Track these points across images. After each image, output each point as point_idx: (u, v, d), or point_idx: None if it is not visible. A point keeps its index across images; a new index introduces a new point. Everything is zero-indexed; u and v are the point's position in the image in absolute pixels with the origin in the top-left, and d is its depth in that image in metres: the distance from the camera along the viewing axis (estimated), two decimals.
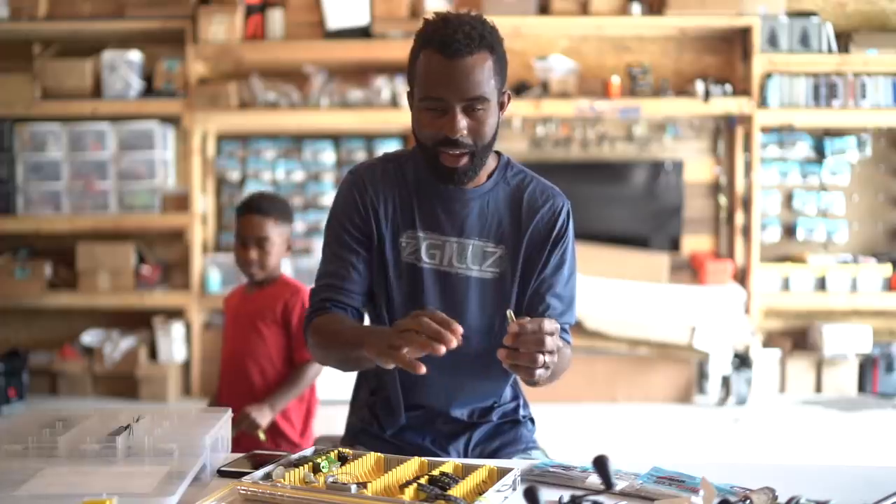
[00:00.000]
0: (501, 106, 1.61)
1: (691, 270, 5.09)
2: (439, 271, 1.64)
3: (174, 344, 4.90)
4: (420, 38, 1.56)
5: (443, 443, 1.72)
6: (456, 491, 1.27)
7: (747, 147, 5.02)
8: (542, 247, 1.66)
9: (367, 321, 1.75)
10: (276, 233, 2.44)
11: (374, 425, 1.75)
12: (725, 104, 4.90)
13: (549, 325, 1.35)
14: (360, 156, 5.12)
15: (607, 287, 4.79)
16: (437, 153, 1.56)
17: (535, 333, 1.33)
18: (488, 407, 1.74)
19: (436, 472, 1.35)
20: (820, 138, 5.10)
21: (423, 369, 1.32)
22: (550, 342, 1.33)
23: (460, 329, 1.31)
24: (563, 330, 1.65)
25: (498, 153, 1.71)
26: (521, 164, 1.76)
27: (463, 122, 1.52)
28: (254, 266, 2.43)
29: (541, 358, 1.33)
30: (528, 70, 5.08)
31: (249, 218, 2.43)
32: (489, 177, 1.68)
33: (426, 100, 1.53)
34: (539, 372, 1.35)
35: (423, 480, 1.30)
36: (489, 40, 1.53)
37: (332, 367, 1.65)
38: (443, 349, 1.30)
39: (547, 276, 1.66)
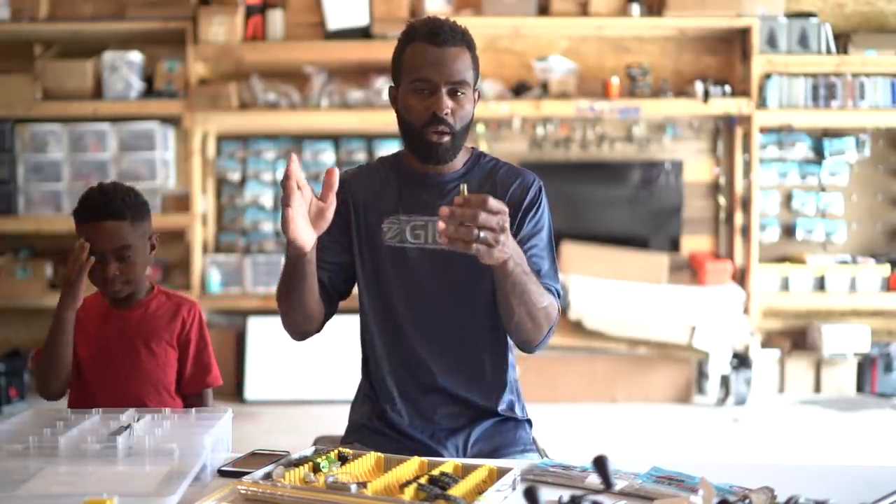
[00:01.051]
0: (475, 101, 1.74)
1: (691, 271, 5.10)
2: (425, 249, 1.75)
3: None
4: (407, 35, 1.72)
5: (442, 438, 1.75)
6: (456, 491, 1.27)
7: (746, 147, 5.02)
8: (516, 212, 1.74)
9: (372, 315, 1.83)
10: (136, 237, 1.94)
11: (373, 420, 1.79)
12: (725, 105, 4.90)
13: (494, 203, 1.37)
14: (360, 156, 5.12)
15: (607, 287, 4.80)
16: (423, 133, 1.69)
17: (472, 207, 1.35)
18: (487, 390, 1.77)
19: (436, 472, 1.35)
20: (819, 139, 5.10)
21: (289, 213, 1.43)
22: (484, 217, 1.35)
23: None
24: (546, 288, 1.69)
25: (472, 147, 1.85)
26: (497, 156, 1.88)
27: (448, 102, 1.66)
28: (117, 283, 1.90)
29: (475, 232, 1.35)
30: (528, 70, 5.08)
31: (100, 226, 1.89)
32: (464, 165, 1.80)
33: (415, 82, 1.68)
34: (476, 247, 1.37)
35: (423, 480, 1.31)
36: (468, 39, 1.71)
37: (297, 319, 1.70)
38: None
39: (524, 239, 1.73)
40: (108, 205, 1.90)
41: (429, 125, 1.67)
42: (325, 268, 1.75)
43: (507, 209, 1.42)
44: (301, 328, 1.73)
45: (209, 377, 2.01)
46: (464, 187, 1.40)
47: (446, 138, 1.68)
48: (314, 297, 1.67)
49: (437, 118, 1.66)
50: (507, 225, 1.41)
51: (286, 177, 1.43)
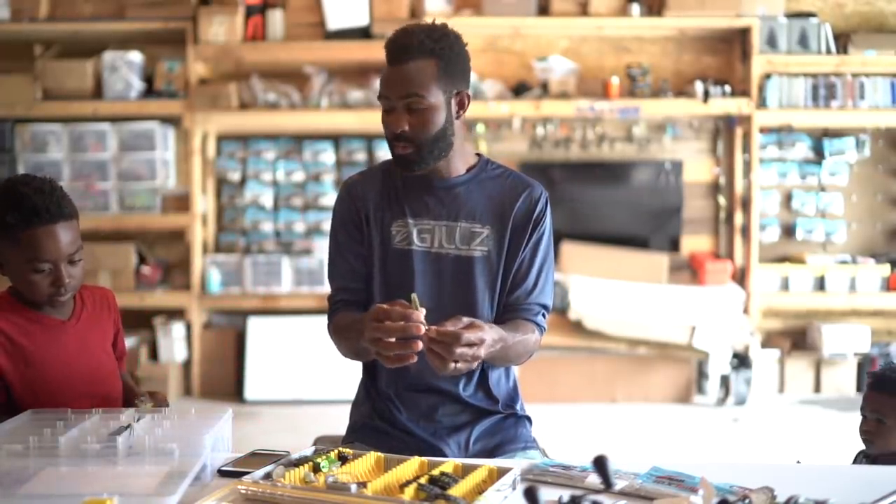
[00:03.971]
0: (461, 105, 1.76)
1: (691, 271, 5.10)
2: (430, 253, 1.77)
3: (175, 344, 4.90)
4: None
5: (443, 436, 1.76)
6: (456, 490, 1.27)
7: (746, 147, 5.02)
8: (524, 230, 1.78)
9: None
10: (79, 234, 1.74)
11: (375, 419, 1.80)
12: (725, 105, 4.90)
13: (472, 337, 1.50)
14: (360, 156, 5.13)
15: (607, 287, 4.79)
16: (392, 146, 1.76)
17: (446, 344, 1.49)
18: (489, 390, 1.78)
19: (436, 472, 1.35)
20: (819, 139, 5.10)
21: (414, 359, 1.51)
22: (460, 352, 1.49)
23: (417, 313, 1.49)
24: (534, 312, 1.78)
25: (479, 154, 1.87)
26: (501, 162, 1.91)
27: (405, 118, 1.71)
28: (68, 290, 1.69)
29: (451, 365, 1.50)
30: (528, 71, 5.09)
31: (53, 230, 1.66)
32: (468, 171, 1.82)
33: (380, 98, 1.76)
34: (451, 366, 1.50)
35: (423, 480, 1.31)
36: (433, 48, 1.70)
37: (356, 360, 1.84)
38: (418, 348, 1.49)
39: (525, 259, 1.79)
40: (59, 204, 1.68)
41: (393, 140, 1.74)
42: (361, 290, 1.82)
43: (483, 337, 1.52)
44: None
45: (124, 362, 1.90)
46: (413, 296, 1.52)
47: (409, 150, 1.72)
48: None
49: (395, 135, 1.72)
50: (482, 349, 1.52)
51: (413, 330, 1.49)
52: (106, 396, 1.77)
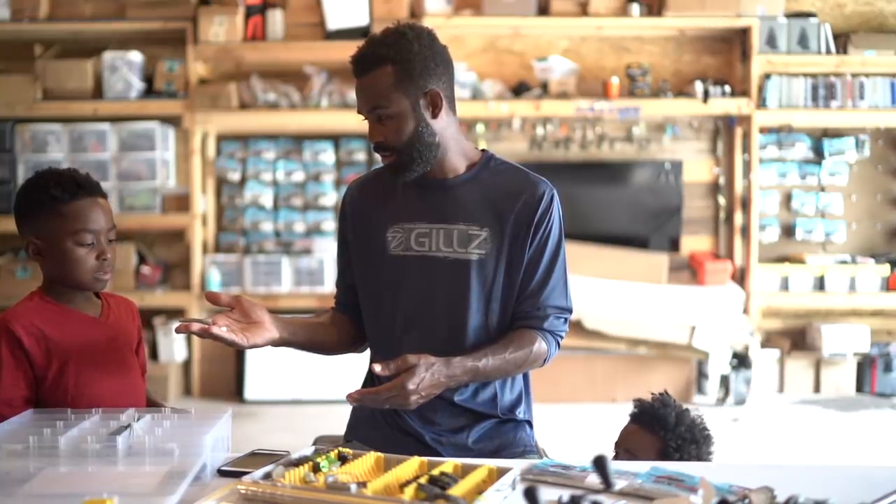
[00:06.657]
0: (434, 104, 1.68)
1: (690, 271, 5.10)
2: (427, 257, 1.73)
3: (174, 344, 4.91)
4: None
5: (442, 438, 1.75)
6: (456, 490, 1.27)
7: (746, 147, 5.03)
8: (526, 232, 1.73)
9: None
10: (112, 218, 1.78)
11: (375, 416, 1.80)
12: (724, 105, 4.91)
13: (412, 383, 1.54)
14: (360, 156, 5.13)
15: (607, 287, 4.79)
16: (379, 155, 1.74)
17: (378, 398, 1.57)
18: (490, 396, 1.76)
19: (436, 472, 1.35)
20: (818, 139, 5.11)
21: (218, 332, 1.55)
22: (414, 400, 1.56)
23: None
24: (541, 319, 1.74)
25: (483, 150, 1.82)
26: (507, 159, 1.85)
27: (377, 129, 1.69)
28: (109, 270, 1.73)
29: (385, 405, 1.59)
30: (528, 71, 5.09)
31: (96, 203, 1.71)
32: (469, 169, 1.77)
33: (360, 114, 1.73)
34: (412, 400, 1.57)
35: (422, 480, 1.31)
36: (386, 54, 1.66)
37: (318, 354, 1.92)
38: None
39: (530, 262, 1.73)
40: (96, 182, 1.75)
41: (376, 150, 1.73)
42: (350, 294, 1.86)
43: (406, 386, 1.54)
44: (328, 355, 1.90)
45: (145, 378, 1.88)
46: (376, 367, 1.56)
47: (392, 158, 1.70)
48: (318, 342, 1.84)
49: (375, 145, 1.71)
50: (409, 390, 1.55)
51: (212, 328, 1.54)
52: (133, 398, 1.77)
